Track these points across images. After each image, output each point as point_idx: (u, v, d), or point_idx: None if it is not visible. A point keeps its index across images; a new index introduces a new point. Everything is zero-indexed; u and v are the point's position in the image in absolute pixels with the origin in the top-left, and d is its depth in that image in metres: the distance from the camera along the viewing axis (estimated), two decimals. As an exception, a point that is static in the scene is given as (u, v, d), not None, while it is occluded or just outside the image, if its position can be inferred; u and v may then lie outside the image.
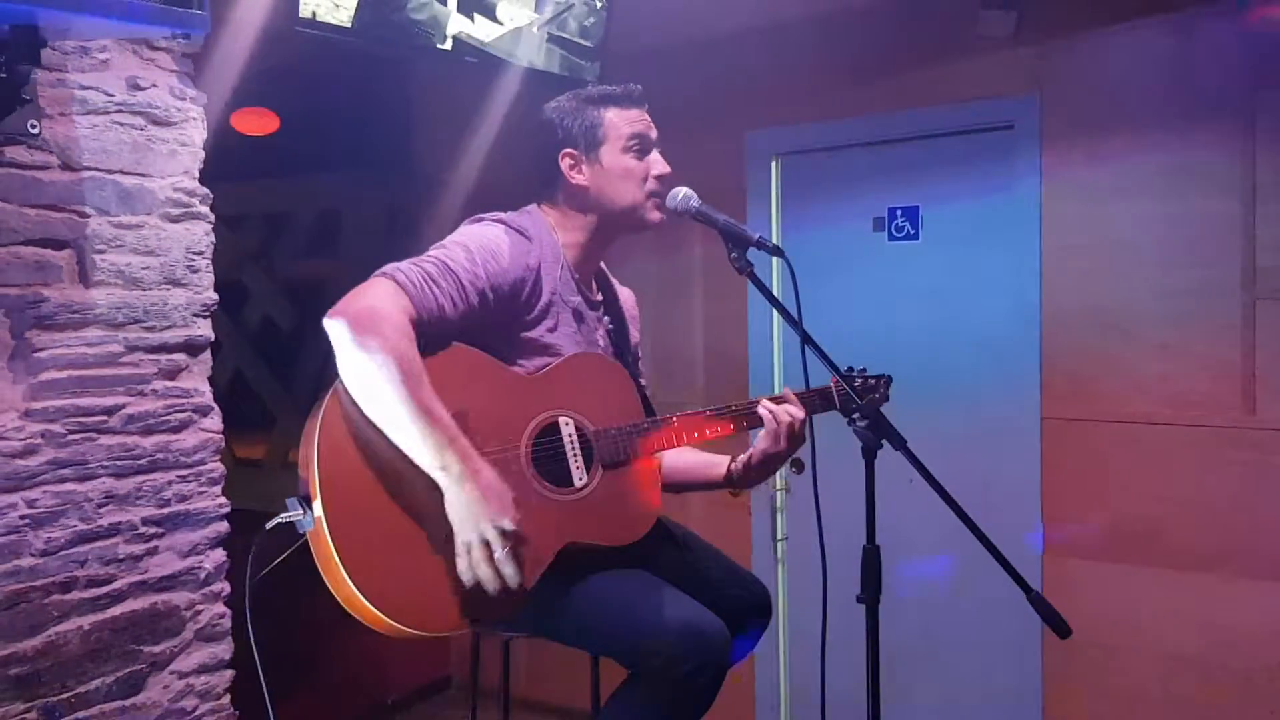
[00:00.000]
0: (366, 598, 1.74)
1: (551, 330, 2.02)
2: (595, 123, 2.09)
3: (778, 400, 2.15)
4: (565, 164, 2.09)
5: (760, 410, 2.12)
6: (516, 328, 1.98)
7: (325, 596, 1.80)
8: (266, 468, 5.00)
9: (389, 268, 1.86)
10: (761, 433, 2.14)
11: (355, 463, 1.78)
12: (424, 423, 1.74)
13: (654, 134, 2.13)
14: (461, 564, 1.77)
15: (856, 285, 3.74)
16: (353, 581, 1.73)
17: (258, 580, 1.89)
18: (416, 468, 1.79)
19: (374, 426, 1.78)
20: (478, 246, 1.93)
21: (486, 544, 1.75)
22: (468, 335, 1.91)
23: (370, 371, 1.74)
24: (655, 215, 2.11)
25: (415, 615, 1.79)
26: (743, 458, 2.18)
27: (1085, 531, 3.31)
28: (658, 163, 2.11)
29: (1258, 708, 3.05)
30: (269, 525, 1.78)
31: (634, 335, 2.33)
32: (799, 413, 2.12)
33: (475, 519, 1.75)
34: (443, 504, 1.79)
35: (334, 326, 1.77)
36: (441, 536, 1.81)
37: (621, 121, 2.09)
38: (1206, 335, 3.10)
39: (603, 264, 2.25)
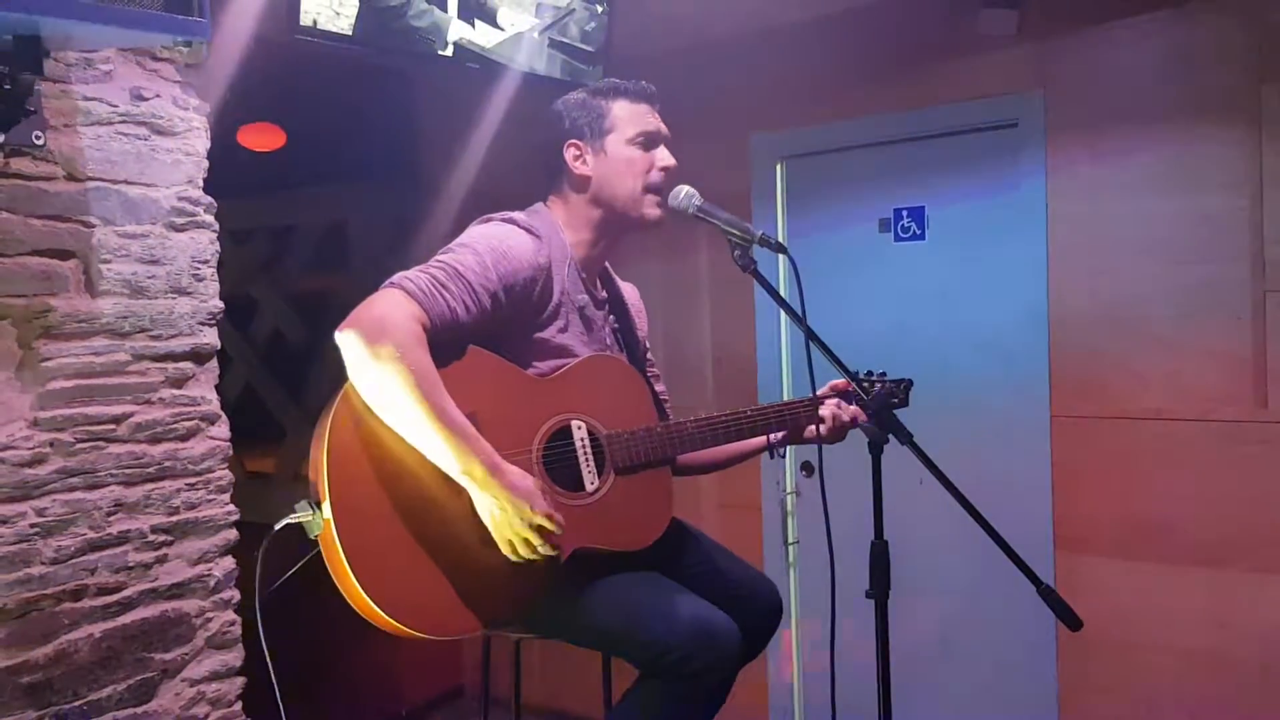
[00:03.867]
0: (375, 601, 1.73)
1: (562, 331, 2.00)
2: (602, 113, 2.08)
3: (836, 392, 2.25)
4: (570, 154, 2.08)
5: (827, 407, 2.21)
6: (529, 329, 1.97)
7: (338, 606, 1.79)
8: (277, 481, 5.00)
9: (397, 277, 1.84)
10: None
11: (364, 465, 1.78)
12: (443, 430, 1.74)
13: (664, 130, 2.12)
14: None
15: (863, 286, 3.73)
16: (361, 585, 1.72)
17: (271, 589, 1.90)
18: (427, 470, 1.78)
19: (384, 429, 1.78)
20: (486, 248, 1.91)
21: (527, 541, 1.78)
22: (481, 338, 1.90)
23: (385, 381, 1.73)
24: (654, 212, 2.09)
25: (424, 619, 1.78)
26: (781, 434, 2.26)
27: (1097, 528, 3.29)
28: (663, 156, 2.09)
29: (1274, 701, 3.02)
30: (278, 526, 1.79)
31: (641, 329, 2.32)
32: (859, 413, 2.20)
33: (508, 521, 1.77)
34: (454, 506, 1.79)
35: (346, 339, 1.76)
36: (452, 538, 1.80)
37: (629, 113, 2.08)
38: (1216, 329, 3.08)
39: (606, 263, 2.24)
